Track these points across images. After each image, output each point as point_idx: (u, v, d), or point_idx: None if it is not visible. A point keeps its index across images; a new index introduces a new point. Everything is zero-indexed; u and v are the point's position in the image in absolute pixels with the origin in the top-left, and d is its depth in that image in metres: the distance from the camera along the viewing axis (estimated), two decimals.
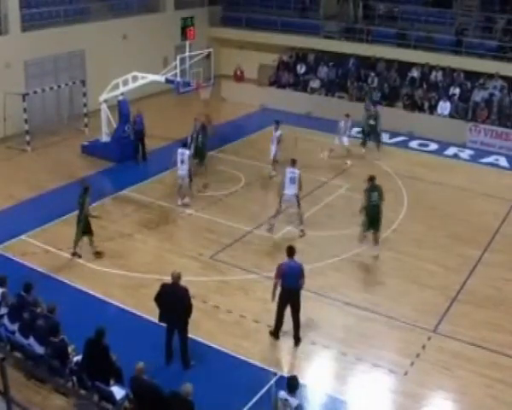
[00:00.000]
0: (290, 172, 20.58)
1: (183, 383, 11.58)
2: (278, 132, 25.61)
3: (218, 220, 21.52)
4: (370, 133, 28.19)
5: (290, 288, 15.12)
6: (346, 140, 27.42)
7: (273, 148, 25.44)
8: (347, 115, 27.58)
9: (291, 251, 15.38)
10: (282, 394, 11.27)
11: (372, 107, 29.05)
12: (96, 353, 12.75)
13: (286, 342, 15.65)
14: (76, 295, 17.08)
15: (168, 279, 14.35)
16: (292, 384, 11.27)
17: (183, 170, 22.23)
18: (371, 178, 20.02)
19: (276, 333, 15.62)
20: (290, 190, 20.49)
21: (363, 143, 28.26)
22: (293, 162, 20.86)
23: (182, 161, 22.19)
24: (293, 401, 11.13)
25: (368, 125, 28.14)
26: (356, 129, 28.75)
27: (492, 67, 31.63)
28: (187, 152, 22.50)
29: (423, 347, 15.57)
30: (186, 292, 14.08)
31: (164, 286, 14.30)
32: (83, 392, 12.65)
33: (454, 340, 15.85)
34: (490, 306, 17.36)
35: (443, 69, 33.08)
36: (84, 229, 18.82)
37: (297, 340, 15.49)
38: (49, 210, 21.73)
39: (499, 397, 14.02)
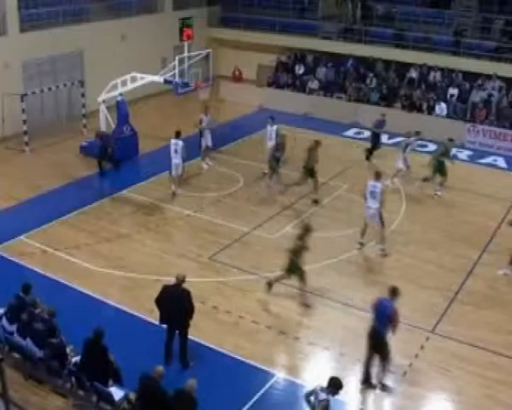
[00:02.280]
0: (372, 185, 19.81)
1: (188, 379, 11.61)
2: (274, 127, 25.69)
3: (217, 221, 21.53)
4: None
5: (374, 328, 13.94)
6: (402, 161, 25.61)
7: (270, 144, 25.49)
8: (418, 133, 26.17)
9: (392, 292, 14.00)
10: (319, 387, 11.45)
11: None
12: (94, 353, 12.76)
13: (285, 342, 15.66)
14: (74, 295, 17.06)
15: (166, 280, 14.36)
16: (332, 382, 11.41)
17: (176, 159, 23.18)
18: None
19: (365, 381, 14.37)
20: (372, 204, 19.86)
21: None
22: (377, 176, 20.03)
23: (175, 151, 23.22)
24: (322, 395, 11.28)
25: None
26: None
27: (491, 68, 31.65)
28: (180, 143, 23.19)
29: (422, 347, 15.58)
30: (188, 294, 14.08)
31: (166, 288, 14.30)
32: (81, 393, 12.66)
33: (452, 340, 15.86)
34: (488, 306, 17.37)
35: (441, 70, 33.12)
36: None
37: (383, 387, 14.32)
38: (48, 211, 21.73)
39: (497, 398, 14.03)
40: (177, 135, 23.63)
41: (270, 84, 36.13)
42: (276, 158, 23.89)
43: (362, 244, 20.22)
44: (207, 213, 22.08)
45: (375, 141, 27.64)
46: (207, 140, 26.17)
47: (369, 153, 27.48)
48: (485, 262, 19.68)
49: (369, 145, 27.82)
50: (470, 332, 16.14)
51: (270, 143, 25.32)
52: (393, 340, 15.61)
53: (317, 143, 23.23)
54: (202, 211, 22.24)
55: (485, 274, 19.00)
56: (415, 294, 17.76)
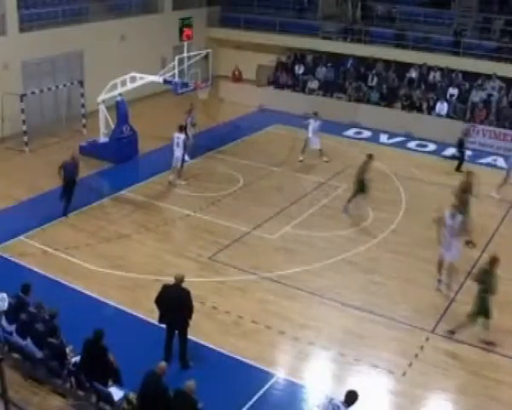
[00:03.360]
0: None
1: (187, 381, 11.60)
2: (318, 122, 26.47)
3: (217, 221, 21.52)
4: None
5: None
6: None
7: (316, 139, 26.49)
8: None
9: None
10: (337, 401, 11.29)
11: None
12: (94, 354, 12.74)
13: (284, 342, 15.65)
14: (74, 295, 17.04)
15: (166, 280, 14.35)
16: (351, 397, 11.23)
17: (177, 151, 24.05)
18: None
19: None
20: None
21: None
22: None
23: (177, 144, 24.00)
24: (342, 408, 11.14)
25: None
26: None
27: (490, 68, 31.66)
28: (182, 136, 23.89)
29: (421, 347, 15.56)
30: (188, 294, 14.09)
31: (165, 287, 14.30)
32: (81, 393, 12.64)
33: (452, 340, 15.85)
34: None
35: (441, 70, 33.12)
36: None
37: None
38: (48, 211, 21.68)
39: (498, 397, 14.04)
40: (181, 129, 24.18)
41: (269, 84, 36.12)
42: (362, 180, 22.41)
43: None
44: (207, 214, 22.07)
45: (461, 150, 27.53)
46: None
47: (459, 163, 27.28)
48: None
49: (455, 155, 27.90)
50: (470, 332, 16.10)
51: (314, 139, 26.39)
52: (393, 340, 15.70)
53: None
54: (202, 211, 22.23)
55: None
56: (414, 294, 17.78)
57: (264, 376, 14.35)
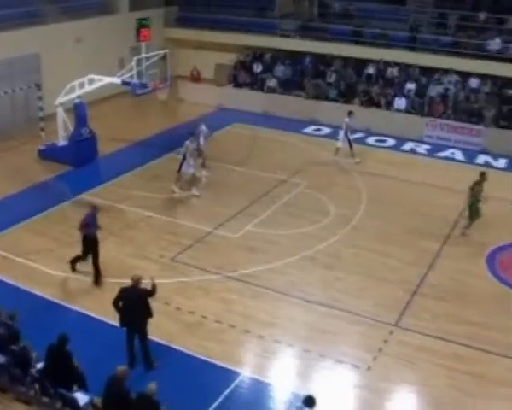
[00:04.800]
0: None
1: (148, 383, 11.54)
2: (347, 119, 26.79)
3: (179, 222, 21.47)
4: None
5: None
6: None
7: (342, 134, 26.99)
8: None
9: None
10: (300, 405, 11.34)
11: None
12: (58, 359, 12.63)
13: (249, 341, 15.66)
14: (36, 301, 16.83)
15: (129, 283, 14.27)
16: (309, 401, 11.23)
17: (190, 160, 23.42)
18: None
19: None
20: None
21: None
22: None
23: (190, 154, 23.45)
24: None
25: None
26: None
27: (447, 63, 32.04)
28: (186, 142, 23.43)
29: (385, 341, 15.69)
30: (145, 294, 14.03)
31: (123, 290, 14.23)
32: (46, 399, 12.51)
33: (416, 333, 16.01)
34: (450, 298, 17.59)
35: (398, 65, 33.43)
36: None
37: None
38: (7, 216, 21.42)
39: (462, 388, 14.22)
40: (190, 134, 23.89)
41: (228, 84, 36.10)
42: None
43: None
44: (169, 214, 21.99)
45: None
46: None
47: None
48: (445, 255, 19.93)
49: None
50: (433, 324, 16.32)
51: (344, 138, 26.85)
52: (357, 335, 15.82)
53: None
54: (164, 212, 22.13)
55: (446, 266, 19.25)
56: (377, 288, 17.94)
57: (230, 375, 14.35)
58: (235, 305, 16.98)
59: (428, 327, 16.19)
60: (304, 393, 11.82)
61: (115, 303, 14.18)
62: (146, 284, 14.30)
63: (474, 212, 20.98)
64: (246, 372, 14.56)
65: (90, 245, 17.69)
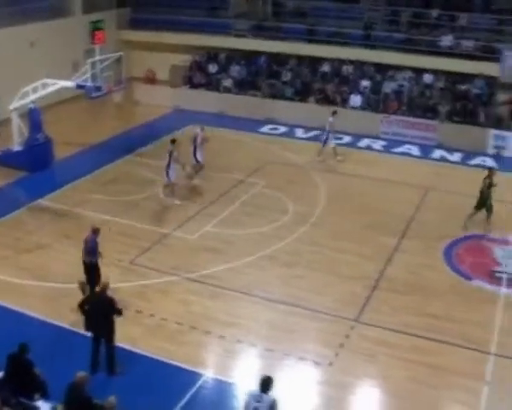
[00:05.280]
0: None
1: (108, 397, 11.37)
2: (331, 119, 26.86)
3: (136, 224, 21.29)
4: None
5: None
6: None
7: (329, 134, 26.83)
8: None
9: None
10: (255, 392, 11.30)
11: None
12: (19, 368, 12.45)
13: (211, 342, 15.62)
14: None
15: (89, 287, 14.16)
16: (265, 383, 11.22)
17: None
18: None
19: None
20: None
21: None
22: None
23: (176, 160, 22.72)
24: (266, 398, 11.15)
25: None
26: None
27: (400, 59, 32.42)
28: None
29: (347, 336, 15.78)
30: (112, 302, 13.92)
31: (90, 295, 14.08)
32: (7, 409, 12.33)
33: (376, 327, 16.14)
34: (408, 291, 17.78)
35: (353, 63, 33.65)
36: None
37: None
38: None
39: (421, 379, 14.37)
40: (173, 142, 23.11)
41: (184, 85, 35.99)
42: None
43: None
44: (126, 217, 21.78)
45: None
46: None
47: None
48: (403, 249, 20.15)
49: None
50: (393, 318, 16.47)
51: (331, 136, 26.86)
52: (319, 331, 15.88)
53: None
54: (121, 215, 21.93)
55: (404, 260, 19.47)
56: (337, 285, 18.04)
57: (193, 377, 14.27)
58: (196, 306, 16.92)
59: (388, 321, 16.33)
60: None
61: (81, 306, 14.02)
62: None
63: (490, 207, 21.16)
64: (209, 374, 14.50)
65: (92, 272, 16.41)
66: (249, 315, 16.67)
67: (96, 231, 16.60)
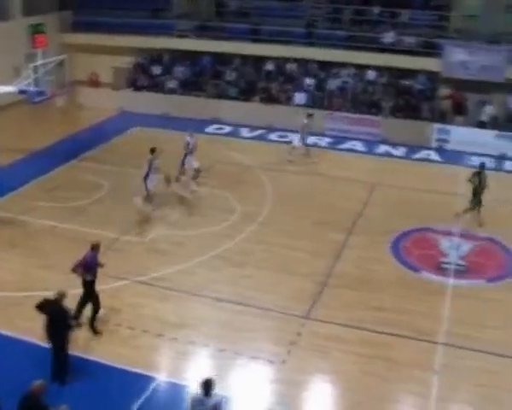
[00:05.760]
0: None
1: (60, 406, 11.25)
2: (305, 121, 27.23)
3: (84, 230, 21.02)
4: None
5: None
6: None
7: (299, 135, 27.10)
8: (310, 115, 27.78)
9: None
10: (197, 396, 11.29)
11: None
12: None
13: (163, 345, 15.55)
14: None
15: (38, 295, 13.98)
16: (206, 386, 11.20)
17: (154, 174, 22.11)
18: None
19: None
20: None
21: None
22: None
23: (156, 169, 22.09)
24: (210, 401, 11.15)
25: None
26: None
27: (343, 56, 32.74)
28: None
29: (298, 334, 15.87)
30: (65, 314, 13.76)
31: (46, 302, 13.86)
32: None
33: (327, 323, 16.28)
34: (358, 286, 17.98)
35: (297, 61, 33.84)
36: None
37: None
38: None
39: (375, 373, 14.55)
40: (152, 152, 22.27)
41: (128, 87, 35.74)
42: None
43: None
44: (73, 223, 21.51)
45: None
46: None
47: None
48: (352, 244, 20.36)
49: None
50: (343, 313, 16.64)
51: (301, 139, 27.14)
52: (270, 330, 15.93)
53: (483, 166, 22.37)
54: (68, 221, 21.66)
55: (353, 256, 19.70)
56: (287, 282, 18.12)
57: (146, 381, 14.17)
58: (147, 309, 16.81)
59: (339, 316, 16.49)
60: (218, 391, 11.81)
61: (38, 307, 13.82)
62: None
63: (479, 200, 21.65)
64: (162, 377, 14.43)
65: (90, 290, 15.62)
66: (200, 316, 16.63)
67: (95, 248, 15.64)
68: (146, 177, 22.00)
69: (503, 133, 29.63)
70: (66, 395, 11.67)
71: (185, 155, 24.18)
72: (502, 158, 28.81)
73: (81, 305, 15.60)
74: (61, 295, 13.85)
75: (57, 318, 13.75)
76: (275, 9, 36.03)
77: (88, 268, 15.45)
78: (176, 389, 14.11)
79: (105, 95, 35.38)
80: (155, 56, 37.01)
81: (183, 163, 24.17)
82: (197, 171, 24.24)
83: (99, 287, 15.93)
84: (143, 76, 35.80)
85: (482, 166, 22.29)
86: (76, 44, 37.88)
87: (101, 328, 15.93)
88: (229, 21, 36.37)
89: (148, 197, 22.16)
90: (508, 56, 30.23)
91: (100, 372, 14.44)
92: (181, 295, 17.44)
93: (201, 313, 16.80)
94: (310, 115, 27.65)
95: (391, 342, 15.65)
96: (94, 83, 37.24)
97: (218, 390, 12.61)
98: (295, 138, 27.54)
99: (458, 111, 31.33)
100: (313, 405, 14.01)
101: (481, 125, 30.51)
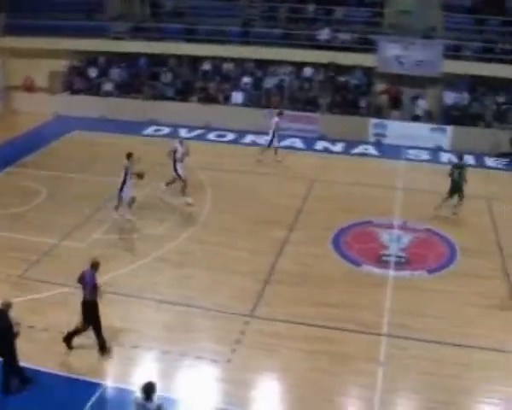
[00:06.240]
0: None
1: None
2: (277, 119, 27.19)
3: (22, 237, 20.69)
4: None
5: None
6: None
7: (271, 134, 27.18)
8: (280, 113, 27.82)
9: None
10: (139, 400, 11.24)
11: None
12: None
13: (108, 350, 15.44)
14: None
15: None
16: (146, 390, 11.15)
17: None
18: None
19: None
20: None
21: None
22: None
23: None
24: (152, 406, 11.11)
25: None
26: None
27: (280, 54, 32.90)
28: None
29: (242, 332, 15.93)
30: (9, 324, 13.52)
31: None
32: None
33: (271, 321, 16.38)
34: (300, 282, 18.13)
35: (234, 60, 33.88)
36: None
37: None
38: None
39: (322, 368, 14.69)
40: (129, 157, 21.55)
41: (64, 91, 35.28)
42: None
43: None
44: (11, 231, 21.13)
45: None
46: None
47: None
48: (292, 241, 20.52)
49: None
50: (287, 310, 16.76)
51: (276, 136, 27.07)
52: (214, 329, 15.93)
53: (461, 158, 22.71)
54: (5, 229, 21.25)
55: (295, 252, 19.86)
56: (228, 282, 18.17)
57: (92, 388, 14.03)
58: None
59: (283, 313, 16.60)
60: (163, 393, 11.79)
61: None
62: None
63: (462, 193, 22.10)
64: (107, 383, 14.33)
65: (91, 311, 15.05)
66: (144, 319, 16.56)
67: (94, 266, 15.11)
68: (123, 184, 21.29)
69: (438, 126, 30.22)
70: (9, 406, 11.47)
71: (175, 163, 23.36)
72: (437, 150, 29.38)
73: (96, 331, 15.14)
74: (7, 305, 13.62)
75: (3, 327, 13.53)
76: (210, 9, 35.93)
77: (84, 287, 15.08)
78: (122, 395, 13.98)
79: (41, 99, 34.84)
80: (91, 59, 36.58)
81: (175, 170, 23.42)
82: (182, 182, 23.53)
83: (41, 294, 15.72)
84: (79, 79, 35.39)
85: (461, 158, 22.68)
86: (9, 48, 37.05)
87: (45, 336, 15.72)
88: (165, 22, 36.18)
89: (127, 204, 21.58)
90: (442, 51, 30.77)
91: (43, 381, 14.23)
92: (124, 299, 17.31)
93: (145, 316, 16.73)
94: (280, 114, 27.70)
95: (335, 336, 15.84)
96: (29, 88, 36.60)
97: (164, 393, 12.66)
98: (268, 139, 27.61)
99: (394, 105, 31.85)
100: (259, 402, 14.07)
101: (416, 118, 31.06)
